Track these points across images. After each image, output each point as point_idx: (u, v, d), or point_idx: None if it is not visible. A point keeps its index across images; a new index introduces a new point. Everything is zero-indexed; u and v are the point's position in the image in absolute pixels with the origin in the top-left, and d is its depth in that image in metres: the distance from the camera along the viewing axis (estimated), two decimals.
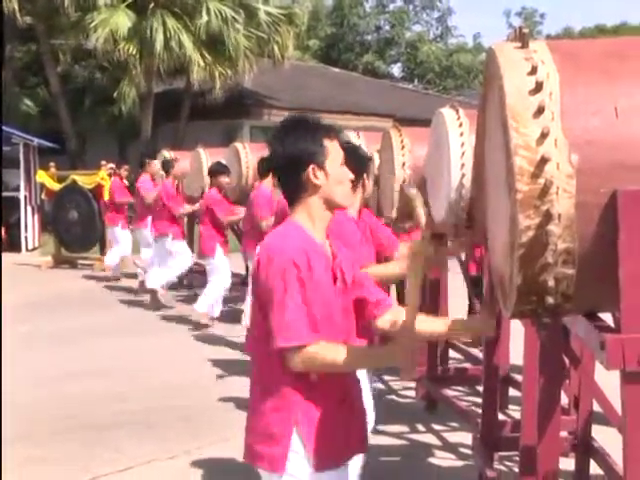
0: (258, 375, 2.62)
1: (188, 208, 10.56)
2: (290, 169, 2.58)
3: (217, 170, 9.44)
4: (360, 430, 2.70)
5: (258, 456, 2.56)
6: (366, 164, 4.25)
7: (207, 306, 9.47)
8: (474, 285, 6.46)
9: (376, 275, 3.53)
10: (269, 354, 2.51)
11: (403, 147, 5.95)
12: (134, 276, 12.41)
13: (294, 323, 2.43)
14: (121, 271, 13.34)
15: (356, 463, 3.09)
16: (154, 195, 11.10)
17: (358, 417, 2.69)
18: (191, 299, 10.73)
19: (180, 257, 10.70)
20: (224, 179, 9.39)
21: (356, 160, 3.82)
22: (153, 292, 10.75)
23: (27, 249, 16.98)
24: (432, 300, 6.28)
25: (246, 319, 7.48)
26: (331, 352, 2.47)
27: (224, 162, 9.90)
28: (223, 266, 9.52)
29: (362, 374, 4.08)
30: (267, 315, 2.48)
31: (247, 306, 7.75)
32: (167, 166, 10.88)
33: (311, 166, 2.55)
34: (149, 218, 11.50)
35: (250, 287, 2.85)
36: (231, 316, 9.52)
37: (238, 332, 8.76)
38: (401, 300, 9.01)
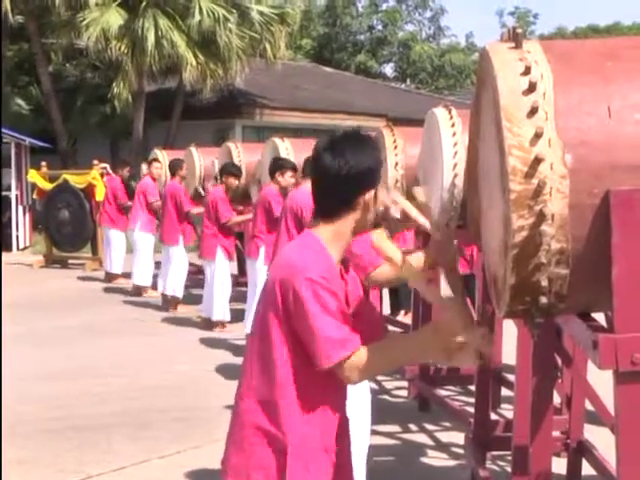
0: (254, 398, 2.50)
1: (195, 211, 10.34)
2: (352, 184, 2.46)
3: (229, 171, 9.32)
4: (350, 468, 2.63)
5: None
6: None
7: (223, 312, 9.31)
8: (465, 285, 6.45)
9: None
10: (273, 380, 2.43)
11: (396, 147, 5.96)
12: (127, 276, 12.39)
13: (332, 339, 2.35)
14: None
15: None
16: (158, 203, 11.12)
17: (349, 455, 2.62)
18: (185, 299, 10.72)
19: (180, 260, 10.63)
20: (234, 181, 9.30)
21: None
22: (173, 298, 10.63)
23: (18, 248, 16.94)
24: (425, 301, 6.28)
25: (247, 325, 7.39)
26: (376, 354, 2.39)
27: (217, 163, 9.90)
28: (224, 272, 9.33)
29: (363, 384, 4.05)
30: (302, 337, 2.38)
31: (248, 311, 7.68)
32: (174, 167, 10.64)
33: (372, 191, 2.48)
34: (140, 220, 11.53)
35: (257, 301, 2.68)
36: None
37: (235, 333, 8.75)
38: (394, 308, 9.04)
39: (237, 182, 9.35)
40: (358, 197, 2.47)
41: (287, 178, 7.77)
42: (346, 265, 2.59)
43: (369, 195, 2.48)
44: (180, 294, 10.59)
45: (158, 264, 11.24)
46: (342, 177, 2.45)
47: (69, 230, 14.94)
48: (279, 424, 2.43)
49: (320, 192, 2.53)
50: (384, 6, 36.57)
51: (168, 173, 11.04)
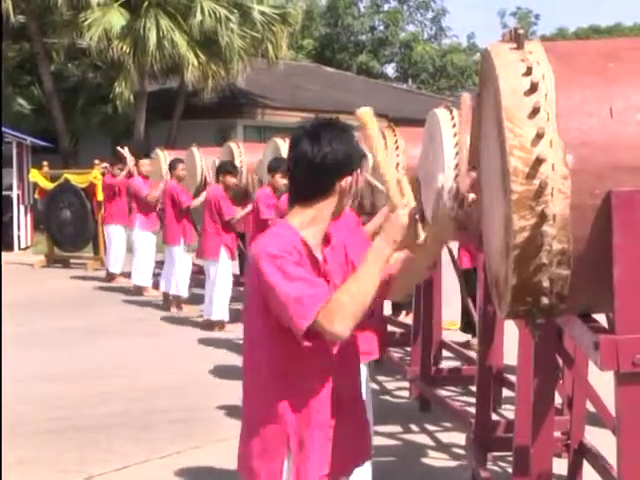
0: (249, 386, 2.57)
1: (197, 202, 10.22)
2: (328, 171, 2.48)
3: (226, 169, 9.30)
4: (360, 441, 2.64)
5: (254, 472, 2.51)
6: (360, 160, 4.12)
7: (222, 312, 9.26)
8: (466, 282, 6.46)
9: None
10: (260, 363, 2.48)
11: (397, 147, 5.95)
12: (127, 275, 12.40)
13: (301, 298, 2.31)
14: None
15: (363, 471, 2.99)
16: (152, 194, 11.17)
17: (357, 429, 2.62)
18: (186, 299, 10.71)
19: (183, 260, 10.62)
20: (232, 179, 9.29)
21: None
22: (175, 298, 10.63)
23: (19, 248, 16.95)
24: (426, 298, 6.28)
25: None
26: (345, 290, 2.34)
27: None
28: (227, 271, 9.29)
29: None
30: (279, 315, 2.38)
31: None
32: (171, 167, 10.60)
33: (349, 177, 2.49)
34: (138, 219, 11.59)
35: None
36: (229, 317, 9.43)
37: (236, 333, 8.74)
38: (396, 308, 9.04)
39: (235, 180, 9.35)
40: (334, 183, 2.49)
41: (278, 179, 7.70)
42: (327, 239, 2.59)
43: (346, 181, 2.50)
44: (185, 293, 10.60)
45: (160, 263, 11.25)
46: (317, 164, 2.48)
47: (70, 230, 14.95)
48: (271, 410, 2.46)
49: (296, 178, 2.56)
50: (386, 6, 36.59)
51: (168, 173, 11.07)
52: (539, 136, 2.12)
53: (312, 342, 2.34)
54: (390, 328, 7.96)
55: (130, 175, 12.26)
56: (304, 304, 2.31)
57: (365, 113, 2.51)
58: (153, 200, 11.29)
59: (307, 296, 2.32)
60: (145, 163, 11.97)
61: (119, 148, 12.89)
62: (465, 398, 6.51)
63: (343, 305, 2.31)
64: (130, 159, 12.46)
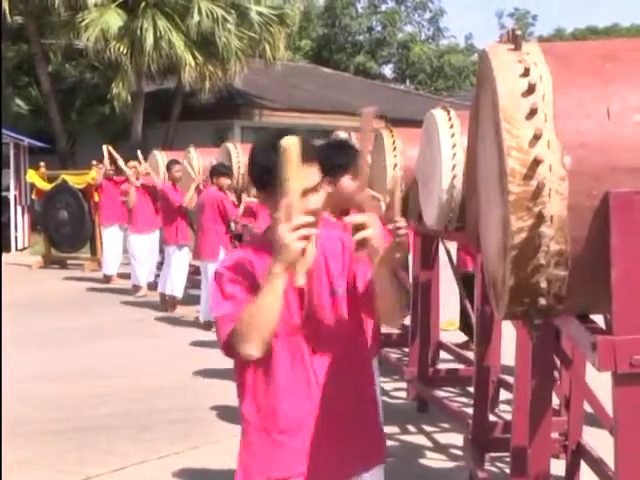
0: None
1: (187, 198, 10.19)
2: (254, 178, 2.54)
3: (220, 171, 9.32)
4: (368, 443, 2.68)
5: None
6: (354, 157, 4.00)
7: None
8: (465, 285, 6.47)
9: None
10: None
11: (395, 148, 5.96)
12: (126, 276, 12.40)
13: (220, 318, 2.44)
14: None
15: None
16: (133, 199, 11.27)
17: (363, 430, 2.64)
18: (183, 300, 10.71)
19: (180, 260, 10.63)
20: (226, 180, 9.30)
21: (344, 154, 3.85)
22: (171, 298, 10.64)
23: (17, 249, 16.94)
24: (423, 299, 6.28)
25: None
26: (246, 316, 2.35)
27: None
28: None
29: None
30: None
31: None
32: (167, 168, 10.70)
33: (268, 188, 2.43)
34: (130, 222, 11.67)
35: None
36: None
37: None
38: None
39: (229, 181, 9.36)
40: (262, 189, 2.50)
41: None
42: None
43: (267, 191, 2.45)
44: (179, 294, 10.59)
45: (162, 265, 11.25)
46: (250, 171, 2.55)
47: (68, 230, 14.95)
48: (240, 409, 2.60)
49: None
50: (383, 7, 36.65)
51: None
52: (537, 137, 2.12)
53: (234, 357, 2.47)
54: (388, 329, 7.96)
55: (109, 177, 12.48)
56: (221, 323, 2.44)
57: (291, 144, 2.23)
58: (129, 202, 11.39)
59: (225, 316, 2.43)
60: (134, 165, 11.99)
61: (107, 146, 12.94)
62: (463, 399, 6.52)
63: (246, 327, 2.37)
64: (107, 160, 12.57)
